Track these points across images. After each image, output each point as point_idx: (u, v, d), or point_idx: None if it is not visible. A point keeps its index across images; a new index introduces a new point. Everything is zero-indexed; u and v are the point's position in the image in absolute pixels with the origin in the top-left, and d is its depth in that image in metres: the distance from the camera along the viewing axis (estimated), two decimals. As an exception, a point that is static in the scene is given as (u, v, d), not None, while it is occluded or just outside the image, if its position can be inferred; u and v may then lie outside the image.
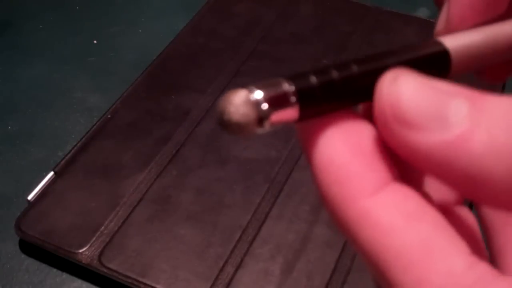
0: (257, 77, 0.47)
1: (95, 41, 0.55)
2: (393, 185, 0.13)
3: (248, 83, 0.14)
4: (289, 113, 0.13)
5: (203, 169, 0.42)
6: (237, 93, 0.13)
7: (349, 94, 0.14)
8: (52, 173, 0.41)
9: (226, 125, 0.13)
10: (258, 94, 0.13)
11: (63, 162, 0.42)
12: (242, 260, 0.37)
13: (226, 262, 0.37)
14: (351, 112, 0.14)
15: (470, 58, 0.17)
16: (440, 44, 0.16)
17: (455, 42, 0.16)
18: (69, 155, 0.43)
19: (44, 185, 0.41)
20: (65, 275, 0.38)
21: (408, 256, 0.13)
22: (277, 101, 0.13)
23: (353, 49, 0.51)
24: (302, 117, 0.14)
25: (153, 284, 0.36)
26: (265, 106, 0.13)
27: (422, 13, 0.55)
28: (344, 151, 0.13)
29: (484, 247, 0.17)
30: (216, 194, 0.40)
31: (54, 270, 0.38)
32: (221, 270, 0.36)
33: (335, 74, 0.14)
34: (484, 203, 0.14)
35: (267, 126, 0.13)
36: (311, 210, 0.39)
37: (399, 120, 0.13)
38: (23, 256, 0.39)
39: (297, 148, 0.43)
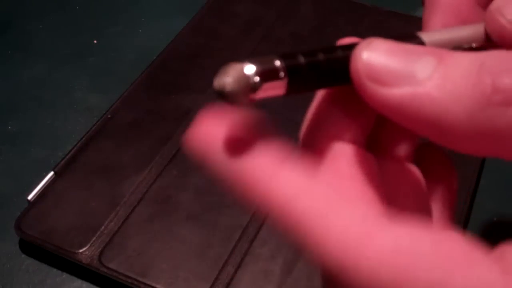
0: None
1: (95, 41, 0.55)
2: (288, 163, 0.16)
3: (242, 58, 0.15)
4: (278, 87, 0.15)
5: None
6: (233, 66, 0.15)
7: (332, 74, 0.16)
8: (52, 173, 0.41)
9: (222, 94, 0.15)
10: (252, 68, 0.15)
11: (63, 162, 0.42)
12: (242, 260, 0.37)
13: (226, 262, 0.37)
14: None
15: None
16: (417, 38, 0.18)
17: (431, 38, 0.18)
18: (69, 155, 0.43)
19: (44, 185, 0.41)
20: (65, 275, 0.38)
21: (311, 212, 0.15)
22: (268, 75, 0.15)
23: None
24: (289, 91, 0.16)
25: (153, 284, 0.36)
26: (256, 78, 0.15)
27: (422, 13, 0.55)
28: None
29: (427, 199, 0.20)
30: (216, 194, 0.40)
31: (54, 270, 0.38)
32: (221, 270, 0.36)
33: (321, 56, 0.16)
34: (449, 146, 0.15)
35: (258, 96, 0.15)
36: (311, 210, 0.39)
37: (371, 78, 0.15)
38: (23, 256, 0.39)
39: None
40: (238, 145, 0.16)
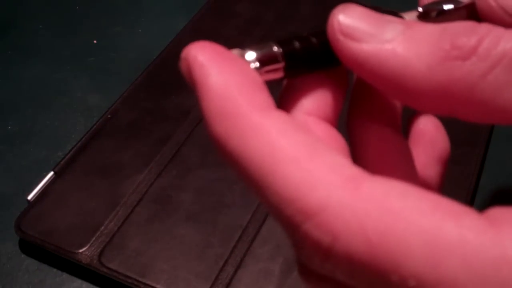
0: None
1: (95, 41, 0.55)
2: (278, 110, 0.15)
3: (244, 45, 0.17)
4: (276, 70, 0.17)
5: (203, 169, 0.42)
6: (235, 52, 0.16)
7: (325, 56, 0.17)
8: (52, 173, 0.41)
9: None
10: (252, 55, 0.16)
11: (63, 162, 0.42)
12: (242, 260, 0.37)
13: (226, 262, 0.37)
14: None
15: None
16: (400, 17, 0.19)
17: (411, 17, 0.20)
18: (69, 155, 0.43)
19: (44, 185, 0.41)
20: (65, 275, 0.38)
21: (295, 152, 0.14)
22: (267, 60, 0.16)
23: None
24: (287, 75, 0.17)
25: (153, 284, 0.36)
26: (257, 64, 0.16)
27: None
28: (235, 76, 0.15)
29: (413, 167, 0.20)
30: (216, 194, 0.40)
31: (54, 270, 0.38)
32: (221, 270, 0.36)
33: (314, 40, 0.17)
34: (411, 103, 0.17)
35: None
36: (311, 210, 0.39)
37: (344, 34, 0.17)
38: (23, 256, 0.39)
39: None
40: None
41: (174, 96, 0.47)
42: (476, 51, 0.15)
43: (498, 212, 0.14)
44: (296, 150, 0.14)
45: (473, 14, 0.19)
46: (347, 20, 0.17)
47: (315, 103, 0.18)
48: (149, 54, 0.51)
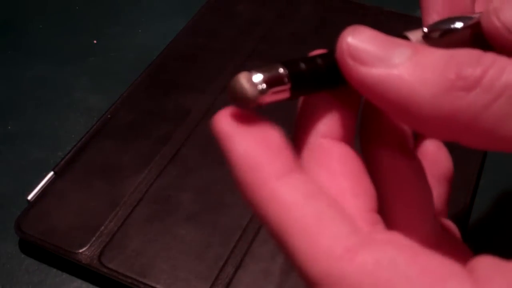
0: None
1: (95, 41, 0.55)
2: (295, 172, 0.17)
3: (252, 67, 0.17)
4: (283, 92, 0.17)
5: (203, 169, 0.42)
6: (243, 75, 0.17)
7: (331, 77, 0.18)
8: (52, 173, 0.41)
9: (234, 100, 0.17)
10: (259, 77, 0.17)
11: (63, 162, 0.42)
12: (242, 260, 0.37)
13: (226, 262, 0.37)
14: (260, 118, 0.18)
15: None
16: (405, 37, 0.20)
17: (417, 37, 0.20)
18: (69, 155, 0.43)
19: (44, 185, 0.41)
20: (65, 275, 0.38)
21: (303, 225, 0.16)
22: (274, 82, 0.17)
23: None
24: (293, 95, 0.18)
25: (153, 284, 0.36)
26: (264, 85, 0.17)
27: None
28: (255, 145, 0.17)
29: (428, 189, 0.20)
30: (216, 194, 0.40)
31: (54, 270, 0.38)
32: (221, 270, 0.36)
33: (319, 61, 0.18)
34: (415, 127, 0.17)
35: (265, 101, 0.17)
36: (311, 210, 0.39)
37: (353, 57, 0.17)
38: (23, 256, 0.39)
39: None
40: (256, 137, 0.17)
41: (174, 96, 0.47)
42: (480, 82, 0.15)
43: (482, 268, 0.15)
44: (305, 222, 0.16)
45: (478, 33, 0.19)
46: (356, 43, 0.17)
47: (329, 126, 0.18)
48: (149, 54, 0.51)
